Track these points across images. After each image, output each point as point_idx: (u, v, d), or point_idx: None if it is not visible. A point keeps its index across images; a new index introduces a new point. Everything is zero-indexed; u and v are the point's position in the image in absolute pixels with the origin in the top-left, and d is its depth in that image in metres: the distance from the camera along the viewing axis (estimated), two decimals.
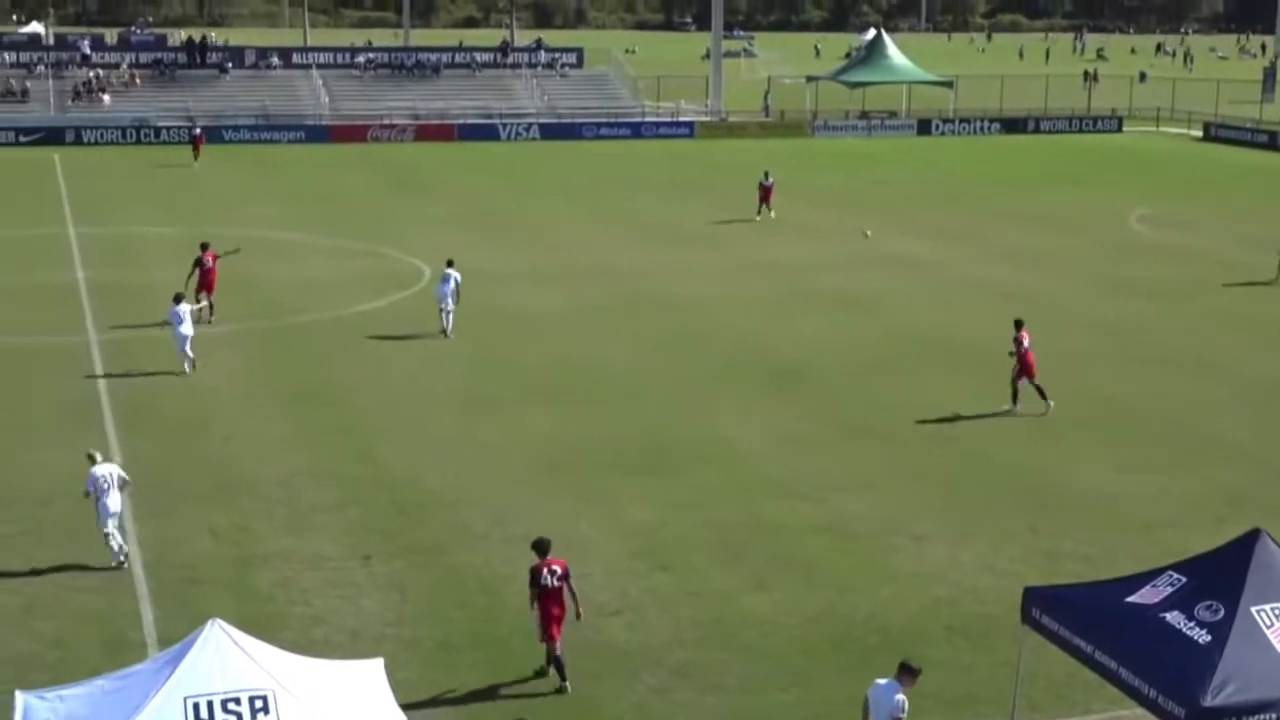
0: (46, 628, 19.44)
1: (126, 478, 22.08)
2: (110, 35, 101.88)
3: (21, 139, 79.20)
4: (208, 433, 28.05)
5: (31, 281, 41.96)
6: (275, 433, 28.12)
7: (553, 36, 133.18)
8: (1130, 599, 14.67)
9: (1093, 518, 24.07)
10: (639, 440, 27.91)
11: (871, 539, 23.00)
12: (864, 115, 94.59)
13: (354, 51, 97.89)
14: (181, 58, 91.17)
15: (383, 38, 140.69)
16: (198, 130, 75.48)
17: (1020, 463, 26.89)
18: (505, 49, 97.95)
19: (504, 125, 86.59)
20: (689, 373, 33.06)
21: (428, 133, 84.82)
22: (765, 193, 56.22)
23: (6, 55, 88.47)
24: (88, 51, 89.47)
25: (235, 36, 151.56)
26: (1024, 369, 29.89)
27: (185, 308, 33.00)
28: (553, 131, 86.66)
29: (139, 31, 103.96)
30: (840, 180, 68.43)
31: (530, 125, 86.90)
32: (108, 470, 21.76)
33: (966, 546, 22.71)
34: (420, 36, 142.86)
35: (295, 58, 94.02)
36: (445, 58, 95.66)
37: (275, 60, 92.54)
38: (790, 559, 22.10)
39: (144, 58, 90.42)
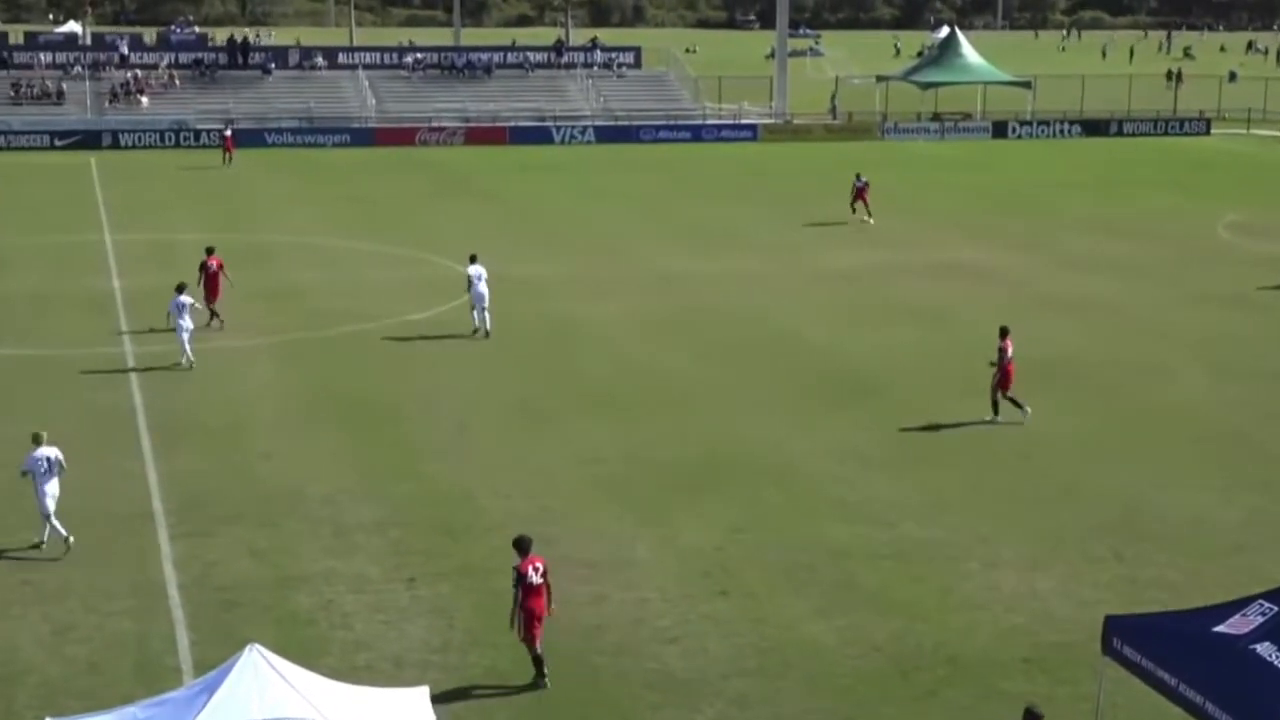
0: (78, 652, 19.59)
1: (64, 463, 23.14)
2: (149, 35, 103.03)
3: (57, 143, 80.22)
4: (247, 448, 28.22)
5: (67, 290, 42.40)
6: (318, 448, 28.26)
7: (609, 35, 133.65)
8: (1218, 629, 14.48)
9: (1179, 541, 23.81)
10: (698, 457, 27.85)
11: (942, 565, 22.84)
12: (936, 117, 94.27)
13: (402, 51, 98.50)
14: (223, 58, 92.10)
15: (432, 37, 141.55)
16: (228, 132, 76.21)
17: (1101, 483, 26.65)
18: (559, 48, 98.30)
19: (558, 128, 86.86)
20: (751, 386, 32.98)
21: (478, 136, 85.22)
22: (859, 194, 56.34)
23: (42, 56, 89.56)
24: (126, 52, 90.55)
25: (279, 36, 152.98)
26: (1003, 379, 30.04)
27: (186, 299, 33.76)
28: (609, 135, 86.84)
29: (179, 31, 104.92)
30: (911, 186, 68.16)
31: (585, 128, 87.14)
32: (49, 452, 22.87)
33: (1044, 572, 22.51)
34: (471, 35, 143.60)
35: (341, 58, 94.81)
36: (497, 58, 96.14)
37: (320, 60, 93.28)
38: (856, 585, 21.98)
39: (184, 58, 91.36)
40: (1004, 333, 30.29)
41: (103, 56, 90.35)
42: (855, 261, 48.36)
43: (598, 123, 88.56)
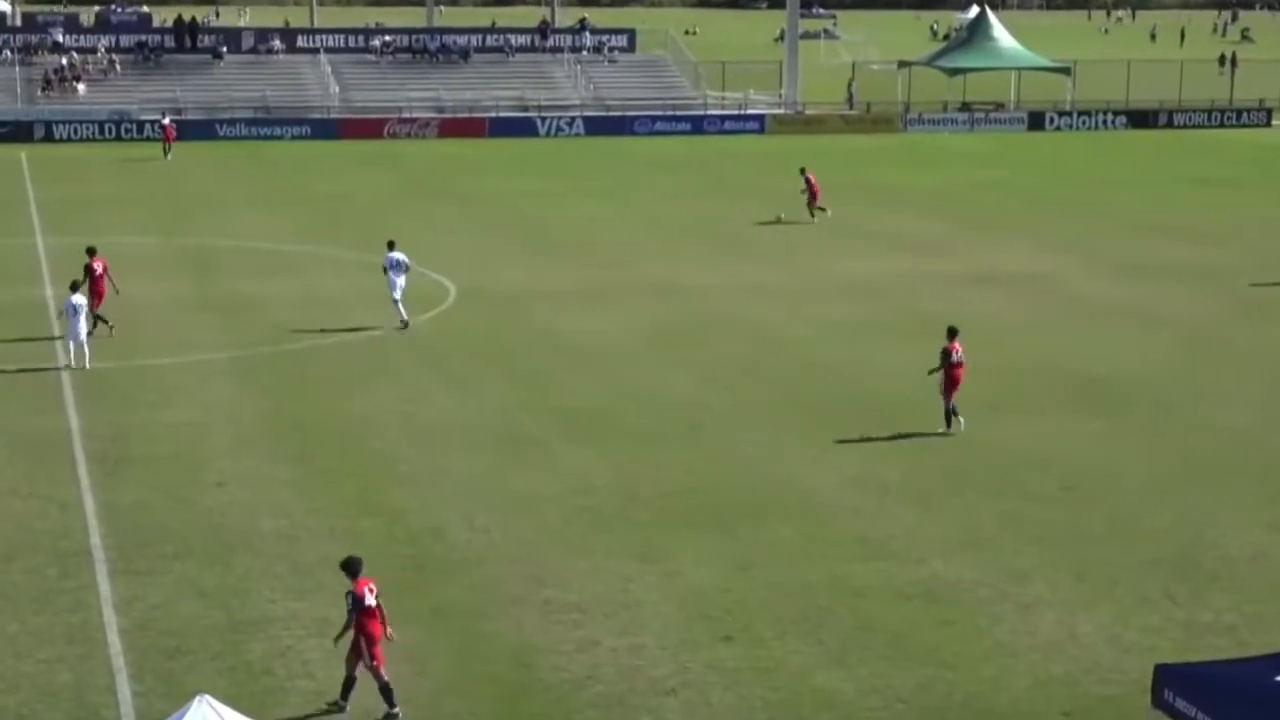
0: (6, 703, 19.55)
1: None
2: (87, 15, 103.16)
3: None
4: (197, 478, 28.22)
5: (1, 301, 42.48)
6: (276, 477, 28.27)
7: (600, 16, 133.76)
8: None
9: (1239, 581, 23.83)
10: (701, 487, 27.87)
11: (973, 606, 22.85)
12: (965, 107, 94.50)
13: (368, 33, 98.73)
14: (169, 41, 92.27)
15: (402, 17, 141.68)
16: (167, 120, 76.44)
17: (1153, 516, 26.67)
18: (545, 30, 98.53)
19: (543, 119, 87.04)
20: (760, 408, 33.01)
21: (454, 128, 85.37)
22: (812, 192, 57.06)
23: None
24: (60, 35, 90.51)
25: (230, 17, 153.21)
26: (948, 385, 31.00)
27: (80, 300, 35.47)
28: (599, 126, 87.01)
29: (119, 11, 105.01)
30: (936, 183, 68.31)
31: (573, 119, 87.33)
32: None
33: (1087, 615, 22.52)
34: (446, 16, 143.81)
35: (300, 41, 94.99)
36: (475, 40, 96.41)
37: (277, 44, 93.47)
38: (876, 629, 21.99)
39: (125, 41, 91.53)
40: (952, 334, 31.32)
41: (34, 39, 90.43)
42: (876, 269, 48.45)
43: (587, 113, 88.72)
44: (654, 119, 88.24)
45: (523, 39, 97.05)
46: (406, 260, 39.94)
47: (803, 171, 58.29)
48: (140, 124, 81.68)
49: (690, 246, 52.42)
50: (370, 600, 19.08)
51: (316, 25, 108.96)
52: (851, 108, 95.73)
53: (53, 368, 35.69)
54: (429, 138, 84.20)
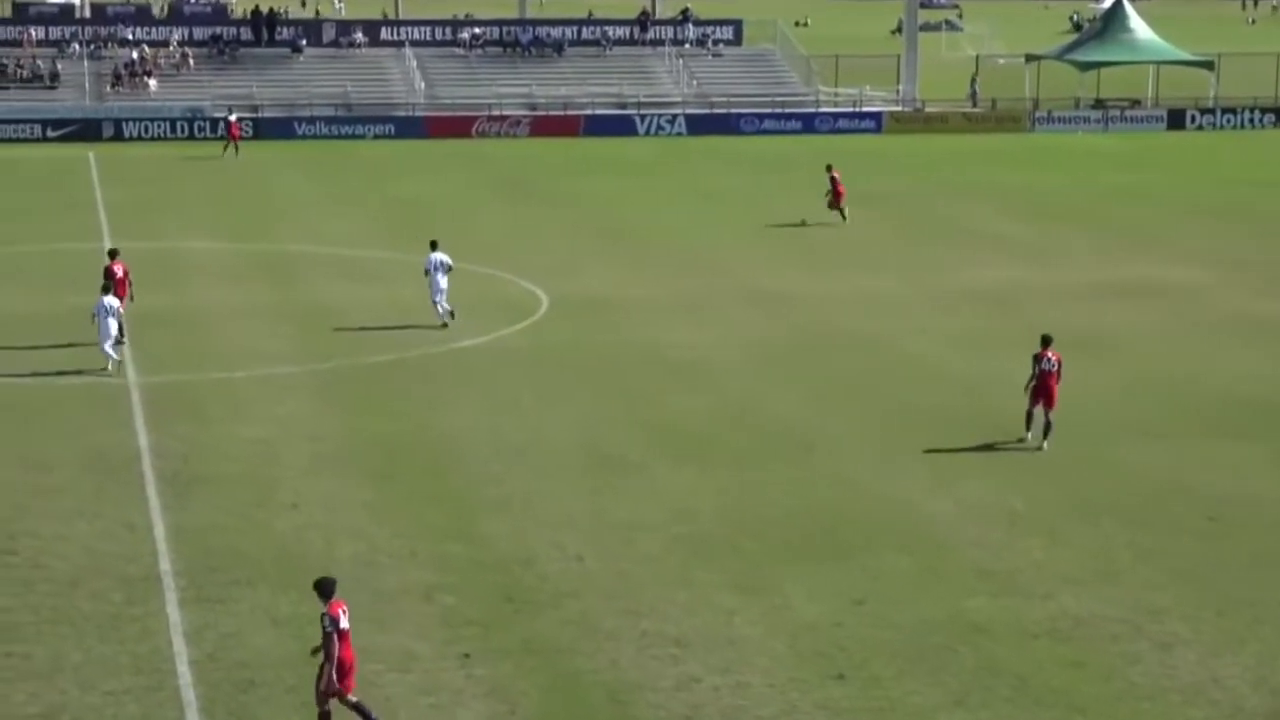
0: None
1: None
2: (159, 6, 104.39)
3: (50, 133, 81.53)
4: (271, 499, 28.43)
5: (61, 309, 42.95)
6: (354, 499, 28.43)
7: (704, 6, 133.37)
8: None
9: None
10: (811, 514, 27.76)
11: (1106, 645, 22.61)
12: (1099, 104, 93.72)
13: (457, 25, 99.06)
14: (245, 33, 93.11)
15: (492, 8, 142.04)
16: (233, 117, 77.14)
17: None
18: (644, 21, 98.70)
19: (641, 117, 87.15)
20: (873, 428, 32.86)
21: (547, 126, 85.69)
22: (836, 192, 57.22)
23: (34, 30, 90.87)
24: (131, 29, 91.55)
25: (325, 7, 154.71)
26: (1042, 395, 31.73)
27: (112, 302, 36.75)
28: (703, 125, 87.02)
29: (193, 1, 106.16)
30: (1067, 186, 67.78)
31: (675, 117, 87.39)
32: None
33: (1231, 655, 22.23)
34: (539, 7, 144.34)
35: (384, 33, 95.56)
36: (570, 32, 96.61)
37: (360, 36, 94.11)
38: (1001, 669, 21.81)
39: (199, 33, 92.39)
40: (1045, 341, 31.96)
41: (104, 32, 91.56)
42: (1001, 279, 48.12)
43: (689, 110, 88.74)
44: (761, 117, 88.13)
45: (621, 31, 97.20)
46: (449, 261, 41.43)
47: (829, 169, 58.43)
48: (214, 122, 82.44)
49: (799, 253, 52.29)
50: (345, 623, 19.37)
51: (401, 17, 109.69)
52: (975, 105, 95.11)
53: (120, 379, 36.15)
54: (520, 137, 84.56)
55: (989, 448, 31.63)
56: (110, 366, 36.54)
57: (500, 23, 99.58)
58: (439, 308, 41.16)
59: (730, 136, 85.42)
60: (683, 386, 36.28)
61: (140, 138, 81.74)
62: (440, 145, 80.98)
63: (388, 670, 21.55)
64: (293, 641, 22.43)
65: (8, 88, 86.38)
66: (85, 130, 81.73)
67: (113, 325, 36.78)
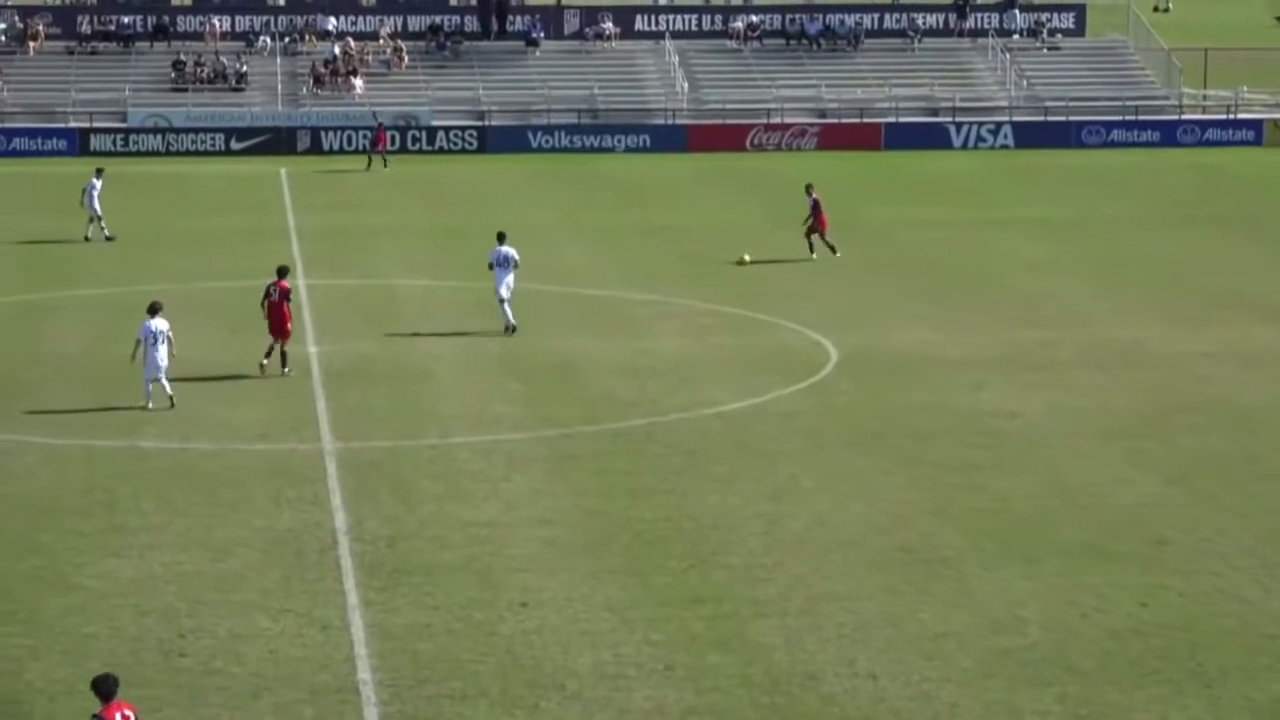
0: None
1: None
2: None
3: (235, 145, 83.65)
4: (495, 596, 28.63)
5: (244, 356, 43.90)
6: (596, 598, 28.54)
7: None
8: None
9: None
10: (1164, 627, 27.28)
11: None
12: None
13: (728, 11, 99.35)
14: (470, 23, 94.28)
15: None
16: (381, 124, 78.39)
17: None
18: (962, 7, 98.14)
19: (958, 126, 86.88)
20: (1248, 522, 32.09)
21: (839, 136, 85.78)
22: (816, 216, 56.74)
23: (217, 22, 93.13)
24: (332, 19, 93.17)
25: None
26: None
27: (161, 325, 38.29)
28: (1034, 135, 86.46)
29: None
30: None
31: (999, 126, 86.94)
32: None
33: None
34: None
35: (639, 22, 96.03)
36: (869, 21, 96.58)
37: (609, 26, 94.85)
38: None
39: (414, 23, 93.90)
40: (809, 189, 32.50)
41: (300, 22, 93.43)
42: None
43: (1018, 118, 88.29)
44: (1108, 126, 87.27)
45: (932, 19, 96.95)
46: (515, 255, 46.01)
47: (809, 190, 57.72)
48: (432, 131, 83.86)
49: (1158, 298, 51.60)
50: None
51: (660, 2, 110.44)
52: None
53: (313, 444, 36.86)
54: (805, 150, 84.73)
55: None
56: (150, 405, 38.86)
57: (782, 9, 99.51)
58: (505, 310, 45.81)
59: (1069, 150, 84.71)
60: (1005, 464, 35.94)
61: (342, 150, 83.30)
62: (705, 160, 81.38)
63: None
64: None
65: (186, 89, 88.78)
66: (276, 141, 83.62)
67: (162, 355, 38.46)
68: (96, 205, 60.29)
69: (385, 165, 76.51)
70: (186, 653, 26.08)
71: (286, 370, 41.80)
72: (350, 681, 25.25)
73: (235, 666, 25.63)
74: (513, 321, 45.96)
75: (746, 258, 56.28)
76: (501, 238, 46.75)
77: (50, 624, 26.98)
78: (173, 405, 38.58)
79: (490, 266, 46.06)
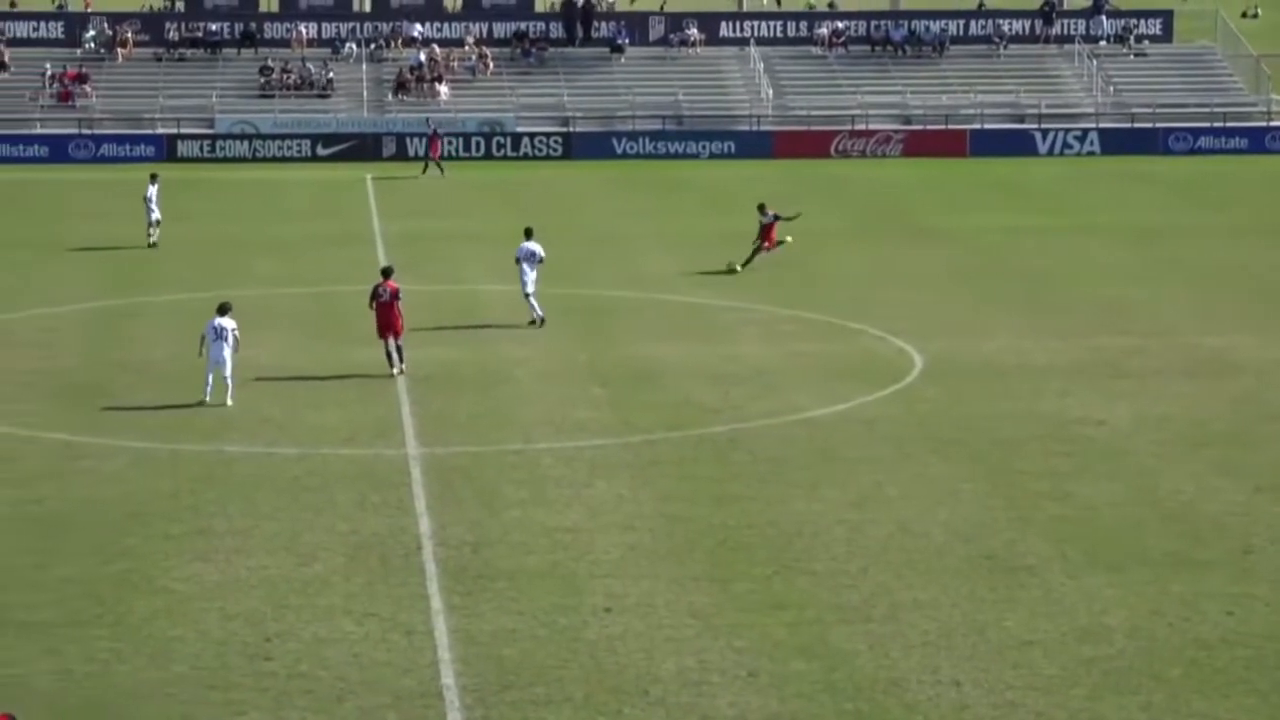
0: None
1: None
2: None
3: (321, 150, 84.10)
4: (579, 601, 28.69)
5: (329, 362, 44.12)
6: (681, 604, 28.52)
7: None
8: None
9: None
10: (1250, 635, 27.06)
11: None
12: None
13: (814, 18, 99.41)
14: (555, 29, 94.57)
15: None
16: (435, 130, 78.60)
17: None
18: (1049, 12, 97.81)
19: (1044, 133, 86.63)
20: None
21: (924, 143, 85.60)
22: (766, 235, 56.31)
23: (303, 28, 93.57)
24: (418, 25, 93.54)
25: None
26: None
27: (228, 323, 39.19)
28: (1121, 142, 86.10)
29: None
30: None
31: (1086, 133, 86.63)
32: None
33: None
34: None
35: (724, 28, 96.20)
36: (954, 27, 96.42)
37: (694, 33, 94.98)
38: None
39: (499, 30, 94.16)
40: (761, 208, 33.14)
41: (386, 29, 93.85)
42: None
43: (1105, 124, 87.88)
44: (1196, 133, 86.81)
45: (1018, 25, 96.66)
46: (540, 252, 48.05)
47: (761, 209, 57.06)
48: (517, 137, 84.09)
49: (1246, 306, 51.33)
50: None
51: (746, 9, 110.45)
52: None
53: (398, 450, 36.99)
54: (890, 157, 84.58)
55: None
56: (208, 399, 39.79)
57: (867, 15, 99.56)
58: (532, 304, 47.76)
59: (1156, 157, 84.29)
60: (1090, 472, 35.80)
61: (428, 155, 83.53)
62: (791, 167, 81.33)
63: None
64: None
65: (272, 95, 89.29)
66: (362, 148, 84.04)
67: (226, 351, 39.28)
68: (155, 210, 60.37)
69: (442, 171, 76.66)
70: (272, 656, 26.20)
71: (402, 367, 42.30)
72: (434, 687, 25.30)
73: (320, 670, 25.74)
74: (540, 314, 47.78)
75: (738, 267, 56.20)
76: (529, 233, 48.42)
77: (137, 627, 27.16)
78: (230, 403, 39.43)
79: (517, 261, 47.64)
